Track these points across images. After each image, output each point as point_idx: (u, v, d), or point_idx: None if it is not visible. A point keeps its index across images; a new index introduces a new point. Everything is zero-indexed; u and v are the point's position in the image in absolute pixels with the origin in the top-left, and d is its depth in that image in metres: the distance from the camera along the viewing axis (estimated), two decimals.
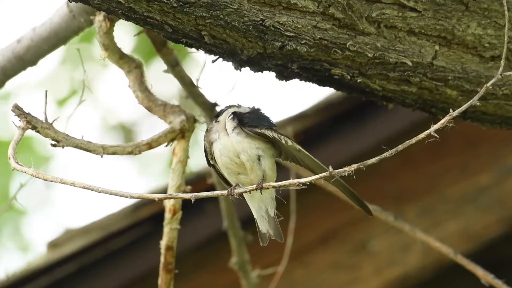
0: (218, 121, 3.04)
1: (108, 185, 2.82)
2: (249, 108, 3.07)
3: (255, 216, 3.08)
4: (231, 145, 2.99)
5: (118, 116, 8.23)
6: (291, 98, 7.86)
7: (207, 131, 3.05)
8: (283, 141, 2.95)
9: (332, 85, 3.25)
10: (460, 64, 3.20)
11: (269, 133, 2.97)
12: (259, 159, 2.99)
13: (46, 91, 3.05)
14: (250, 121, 3.00)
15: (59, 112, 7.52)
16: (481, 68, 3.21)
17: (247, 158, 2.98)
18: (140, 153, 3.25)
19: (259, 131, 2.97)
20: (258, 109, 3.07)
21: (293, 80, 3.24)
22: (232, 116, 3.02)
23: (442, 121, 2.72)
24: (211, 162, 3.05)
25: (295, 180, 2.81)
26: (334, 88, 3.27)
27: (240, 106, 3.07)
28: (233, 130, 3.00)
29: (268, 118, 3.05)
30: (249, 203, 3.06)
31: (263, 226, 3.08)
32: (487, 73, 3.21)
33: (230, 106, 3.08)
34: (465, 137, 4.91)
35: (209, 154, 3.04)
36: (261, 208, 3.06)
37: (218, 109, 3.50)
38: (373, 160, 2.73)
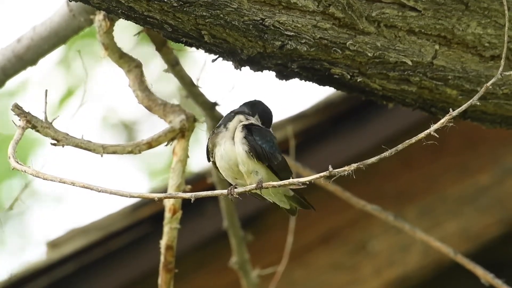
0: (227, 128, 3.02)
1: (108, 184, 2.82)
2: (257, 117, 3.06)
3: (277, 203, 3.10)
4: (233, 155, 2.99)
5: (118, 116, 8.23)
6: (291, 98, 7.85)
7: (213, 133, 3.03)
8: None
9: (332, 85, 3.25)
10: (460, 64, 3.19)
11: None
12: (256, 172, 2.99)
13: (46, 90, 3.05)
14: (259, 138, 2.99)
15: (58, 110, 7.53)
16: (481, 67, 3.21)
17: (246, 169, 2.98)
18: (140, 152, 3.25)
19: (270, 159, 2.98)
20: (269, 129, 3.06)
21: (293, 79, 3.24)
22: (243, 127, 3.00)
23: (442, 120, 2.71)
24: (211, 159, 3.05)
25: (295, 180, 2.81)
26: (334, 88, 3.27)
27: (249, 113, 3.06)
28: (241, 140, 2.98)
29: (274, 140, 3.04)
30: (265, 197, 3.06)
31: (285, 206, 3.09)
32: (487, 73, 3.21)
33: (240, 112, 3.05)
34: (465, 137, 4.91)
35: (210, 153, 3.04)
36: (278, 199, 3.07)
37: (221, 109, 3.50)
38: (373, 159, 2.72)
